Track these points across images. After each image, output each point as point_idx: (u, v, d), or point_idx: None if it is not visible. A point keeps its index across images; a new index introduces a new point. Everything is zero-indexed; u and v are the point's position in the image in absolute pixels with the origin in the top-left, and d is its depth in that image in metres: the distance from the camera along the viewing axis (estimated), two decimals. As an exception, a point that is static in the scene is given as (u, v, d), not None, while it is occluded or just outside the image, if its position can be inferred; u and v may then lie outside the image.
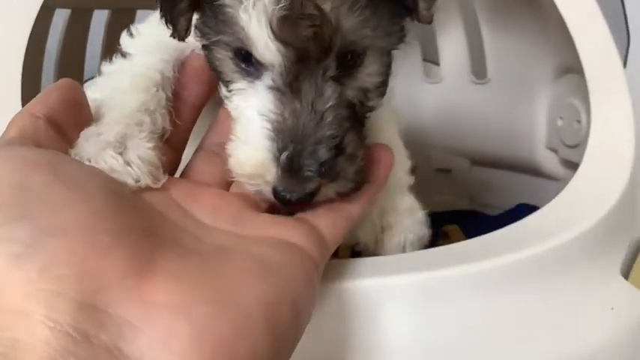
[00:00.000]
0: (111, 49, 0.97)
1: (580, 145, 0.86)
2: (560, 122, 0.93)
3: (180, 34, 0.49)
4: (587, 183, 0.59)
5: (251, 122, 0.46)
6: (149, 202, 0.42)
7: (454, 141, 1.17)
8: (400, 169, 0.63)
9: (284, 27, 0.42)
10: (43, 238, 0.32)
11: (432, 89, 1.18)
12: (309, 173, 0.44)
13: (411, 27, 1.19)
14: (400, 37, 0.49)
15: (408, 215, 0.62)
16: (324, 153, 0.44)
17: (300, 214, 0.47)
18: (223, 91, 0.50)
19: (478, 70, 1.11)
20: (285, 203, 0.45)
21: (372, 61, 0.48)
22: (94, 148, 0.43)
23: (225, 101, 0.50)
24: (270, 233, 0.43)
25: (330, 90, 0.45)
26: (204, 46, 0.50)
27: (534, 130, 1.01)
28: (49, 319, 0.30)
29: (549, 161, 0.99)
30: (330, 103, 0.45)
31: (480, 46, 1.09)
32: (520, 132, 1.04)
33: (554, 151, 0.97)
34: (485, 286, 0.48)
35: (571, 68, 0.87)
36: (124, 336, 0.31)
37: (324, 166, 0.44)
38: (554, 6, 0.75)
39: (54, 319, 0.30)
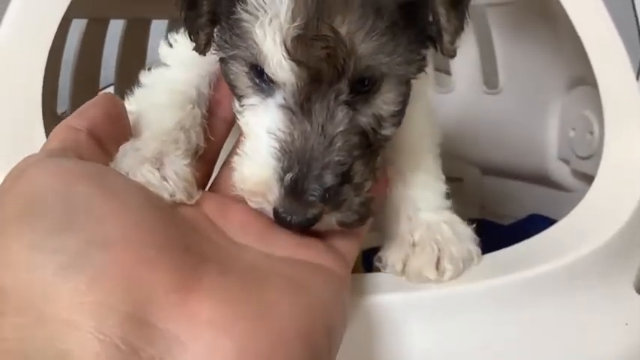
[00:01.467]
0: (126, 57, 0.99)
1: (592, 157, 0.87)
2: (572, 133, 0.93)
3: (200, 48, 0.50)
4: (600, 198, 0.59)
5: (259, 139, 0.45)
6: (185, 217, 0.43)
7: (465, 150, 1.17)
8: (434, 192, 0.60)
9: (298, 46, 0.42)
10: (90, 249, 0.33)
11: (444, 99, 1.19)
12: (312, 198, 0.43)
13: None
14: (420, 67, 0.48)
15: (446, 227, 0.56)
16: (330, 179, 0.43)
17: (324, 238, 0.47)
18: (236, 105, 0.50)
19: (490, 80, 1.12)
20: (285, 225, 0.44)
21: (388, 89, 0.47)
22: (132, 162, 0.44)
23: (237, 116, 0.50)
24: (298, 255, 0.44)
25: (341, 114, 0.44)
26: (221, 59, 0.49)
27: (546, 140, 1.01)
28: (98, 332, 0.31)
29: (561, 172, 0.99)
30: (341, 128, 0.44)
31: (491, 56, 1.09)
32: (532, 142, 1.04)
33: (566, 162, 0.97)
34: (502, 302, 0.49)
35: (584, 80, 0.88)
36: (170, 351, 0.32)
37: (329, 193, 0.43)
38: (567, 18, 0.75)
39: (103, 332, 0.31)
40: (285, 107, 0.44)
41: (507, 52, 1.06)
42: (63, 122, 0.44)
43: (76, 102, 0.93)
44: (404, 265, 0.53)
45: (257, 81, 0.47)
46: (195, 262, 0.37)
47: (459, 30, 0.47)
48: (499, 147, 1.11)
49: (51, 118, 0.65)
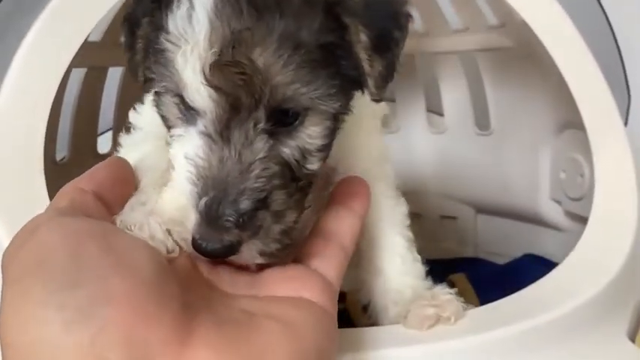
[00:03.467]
0: (125, 102, 1.00)
1: (584, 199, 0.88)
2: (563, 175, 0.95)
3: (141, 83, 0.51)
4: (591, 249, 0.60)
5: (180, 167, 0.45)
6: (181, 271, 0.44)
7: (458, 189, 1.19)
8: (414, 276, 0.63)
9: (214, 72, 0.43)
10: (94, 306, 0.34)
11: (436, 139, 1.21)
12: (227, 223, 0.42)
13: (416, 79, 1.21)
14: (345, 104, 0.49)
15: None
16: (245, 204, 0.43)
17: (305, 258, 0.48)
18: (168, 138, 0.50)
19: (481, 121, 1.14)
20: (204, 254, 0.44)
21: (313, 122, 0.47)
22: (140, 216, 0.46)
23: (168, 148, 0.49)
24: (286, 292, 0.45)
25: (260, 143, 0.45)
26: (154, 93, 0.50)
27: (538, 181, 1.02)
28: None
29: (553, 212, 1.01)
30: (260, 155, 0.44)
31: (482, 99, 1.11)
32: (523, 183, 1.05)
33: (558, 202, 0.99)
34: (498, 355, 0.49)
35: (572, 124, 0.89)
36: None
37: (243, 218, 0.43)
38: (554, 63, 0.77)
39: None
40: (205, 134, 0.45)
41: (498, 96, 1.09)
42: (72, 183, 0.46)
43: (75, 147, 0.94)
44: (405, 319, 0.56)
45: (184, 112, 0.47)
46: (190, 315, 0.38)
47: (385, 77, 0.48)
48: (492, 187, 1.13)
49: (50, 164, 0.65)
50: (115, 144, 0.98)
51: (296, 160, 0.47)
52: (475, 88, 1.13)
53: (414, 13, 1.08)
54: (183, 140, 0.47)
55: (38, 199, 0.62)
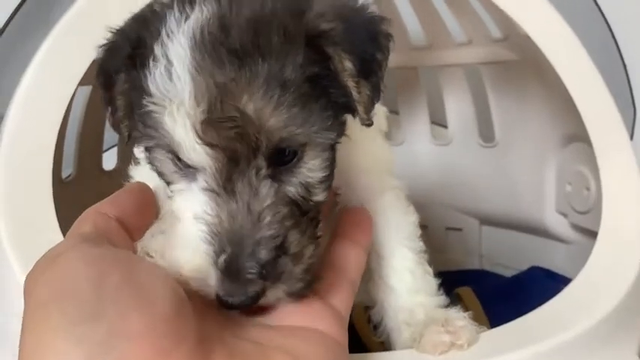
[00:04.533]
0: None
1: (590, 212, 0.88)
2: (569, 188, 0.95)
3: (124, 140, 0.51)
4: (600, 269, 0.59)
5: (188, 225, 0.45)
6: (196, 300, 0.44)
7: (462, 201, 1.19)
8: (426, 293, 0.62)
9: (207, 130, 0.42)
10: (114, 339, 0.34)
11: (440, 151, 1.21)
12: (249, 276, 0.42)
13: (419, 91, 1.21)
14: (340, 132, 0.49)
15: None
16: (264, 254, 0.43)
17: (316, 290, 0.48)
18: (167, 191, 0.49)
19: (486, 133, 1.14)
20: (229, 308, 0.43)
21: (312, 156, 0.47)
22: (161, 244, 0.46)
23: (170, 202, 0.49)
24: (299, 322, 0.45)
25: (265, 189, 0.44)
26: (146, 148, 0.49)
27: (543, 194, 1.02)
28: None
29: (559, 224, 1.01)
30: (267, 202, 0.44)
31: (487, 110, 1.11)
32: (529, 195, 1.05)
33: (564, 215, 0.99)
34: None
35: (578, 136, 0.90)
36: None
37: (266, 268, 0.42)
38: (558, 76, 0.77)
39: None
40: (208, 190, 0.44)
41: (502, 108, 1.09)
42: (95, 208, 0.46)
43: (81, 164, 0.94)
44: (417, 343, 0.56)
45: (180, 166, 0.47)
46: (206, 350, 0.38)
47: (372, 99, 0.48)
48: (497, 198, 1.13)
49: (56, 183, 0.66)
50: (120, 160, 1.00)
51: (302, 197, 0.47)
52: (479, 100, 1.13)
53: (417, 25, 1.09)
54: (184, 195, 0.47)
55: (46, 218, 0.62)
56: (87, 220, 0.44)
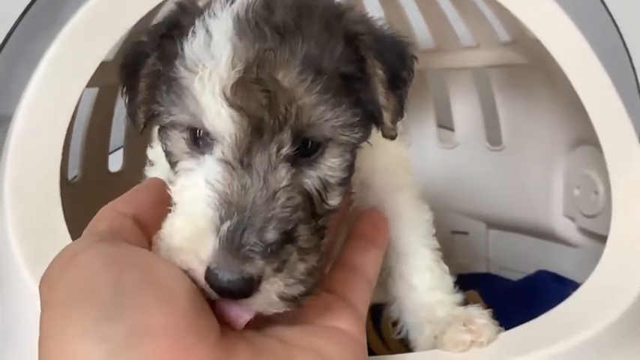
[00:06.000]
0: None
1: (598, 216, 0.87)
2: (577, 192, 0.94)
3: (139, 127, 0.51)
4: (610, 273, 0.59)
5: (193, 193, 0.42)
6: None
7: (469, 205, 1.18)
8: (444, 291, 0.63)
9: (237, 91, 0.41)
10: (136, 337, 0.34)
11: (447, 154, 1.20)
12: (251, 254, 0.39)
13: (427, 94, 1.21)
14: (364, 135, 0.48)
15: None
16: (272, 234, 0.39)
17: (335, 289, 0.48)
18: (170, 174, 0.48)
19: (493, 137, 1.13)
20: (217, 288, 0.39)
21: (333, 154, 0.46)
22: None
23: (169, 185, 0.47)
24: (321, 321, 0.45)
25: (284, 169, 0.42)
26: (160, 129, 0.49)
27: (550, 197, 1.02)
28: None
29: (566, 228, 1.00)
30: (285, 183, 0.42)
31: (494, 114, 1.11)
32: (536, 199, 1.05)
33: (572, 219, 0.98)
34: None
35: (586, 140, 0.89)
36: None
37: (270, 248, 0.39)
38: (567, 80, 0.77)
39: None
40: (224, 161, 0.42)
41: (509, 111, 1.08)
42: (111, 205, 0.45)
43: (87, 166, 0.94)
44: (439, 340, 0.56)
45: (194, 145, 0.46)
46: (228, 346, 0.38)
47: (398, 111, 0.48)
48: (504, 202, 1.12)
49: (63, 183, 0.66)
50: (126, 162, 1.00)
51: (318, 192, 0.45)
52: (486, 104, 1.13)
53: (425, 28, 1.09)
54: (192, 174, 0.45)
55: (53, 219, 0.62)
56: (103, 219, 0.44)
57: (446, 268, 0.64)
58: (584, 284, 0.60)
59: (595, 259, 0.67)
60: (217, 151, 0.43)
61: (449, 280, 0.64)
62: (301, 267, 0.41)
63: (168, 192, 0.47)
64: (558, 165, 0.99)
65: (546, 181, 1.02)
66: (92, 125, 0.94)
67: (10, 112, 0.67)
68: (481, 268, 1.20)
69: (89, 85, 0.68)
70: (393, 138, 0.49)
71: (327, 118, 0.44)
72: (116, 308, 0.35)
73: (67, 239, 0.60)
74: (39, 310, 0.37)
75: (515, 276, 1.11)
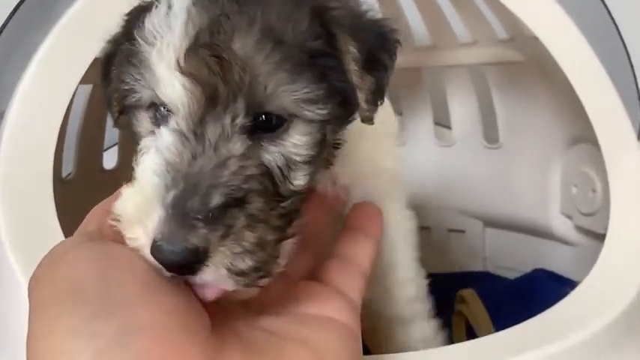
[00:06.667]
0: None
1: (596, 214, 0.87)
2: (574, 190, 0.94)
3: (115, 118, 0.50)
4: (610, 268, 0.59)
5: (145, 163, 0.41)
6: None
7: (466, 203, 1.18)
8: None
9: (189, 59, 0.40)
10: (125, 335, 0.34)
11: (444, 152, 1.20)
12: (194, 222, 0.37)
13: (423, 92, 1.21)
14: (330, 114, 0.45)
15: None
16: (216, 199, 0.38)
17: (325, 279, 0.48)
18: (137, 157, 0.45)
19: (490, 134, 1.13)
20: (164, 262, 0.38)
21: (299, 131, 0.44)
22: None
23: (135, 166, 0.44)
24: (313, 310, 0.44)
25: (239, 140, 0.41)
26: (127, 112, 0.48)
27: (548, 195, 1.01)
28: None
29: (564, 226, 1.00)
30: (237, 153, 0.41)
31: (491, 112, 1.10)
32: (533, 197, 1.04)
33: (569, 217, 0.98)
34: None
35: (584, 138, 0.89)
36: None
37: (212, 212, 0.38)
38: (565, 78, 0.77)
39: None
40: (177, 131, 0.41)
41: (507, 109, 1.08)
42: (101, 205, 0.45)
43: (81, 164, 0.93)
44: None
45: (155, 122, 0.45)
46: (218, 341, 0.38)
47: (375, 93, 0.46)
48: (501, 200, 1.12)
49: (57, 181, 0.65)
50: (121, 159, 0.99)
51: (279, 169, 0.43)
52: (484, 101, 1.13)
53: (421, 25, 1.09)
54: (151, 150, 0.43)
55: (46, 217, 0.61)
56: (92, 219, 0.44)
57: (424, 273, 0.66)
58: (581, 283, 0.60)
59: (592, 257, 0.67)
60: (172, 122, 0.42)
61: (425, 289, 0.66)
62: (249, 236, 0.39)
63: None
64: (556, 163, 0.99)
65: (543, 179, 1.02)
66: (86, 122, 0.93)
67: (3, 109, 0.66)
68: (478, 267, 1.20)
69: (83, 81, 0.67)
70: (369, 121, 0.47)
71: (286, 89, 0.42)
72: (105, 307, 0.35)
73: (60, 237, 0.59)
74: None
75: (512, 274, 1.10)
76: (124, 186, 0.43)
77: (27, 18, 0.69)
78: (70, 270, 0.37)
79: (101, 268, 0.37)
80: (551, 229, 1.02)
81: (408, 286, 0.63)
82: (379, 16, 0.50)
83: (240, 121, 0.42)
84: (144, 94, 0.44)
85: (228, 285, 0.39)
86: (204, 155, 0.40)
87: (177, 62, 0.40)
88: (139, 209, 0.39)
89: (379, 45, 0.47)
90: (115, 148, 1.01)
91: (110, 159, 1.00)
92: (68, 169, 0.92)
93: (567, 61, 0.75)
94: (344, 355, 0.42)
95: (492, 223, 1.17)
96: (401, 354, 0.51)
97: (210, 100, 0.41)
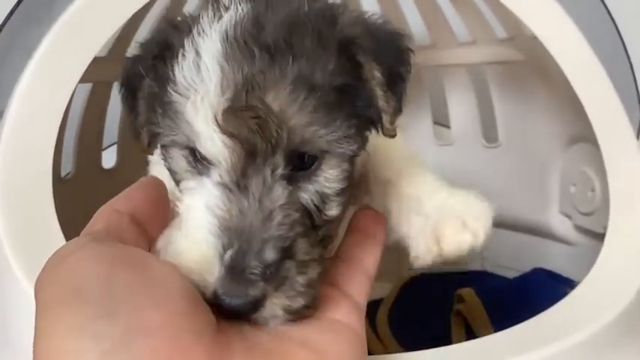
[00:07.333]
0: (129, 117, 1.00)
1: (594, 213, 0.87)
2: (573, 189, 0.94)
3: (144, 146, 0.51)
4: (609, 268, 0.59)
5: (197, 218, 0.44)
6: None
7: (465, 202, 1.18)
8: (427, 182, 0.58)
9: (228, 118, 0.42)
10: (131, 336, 0.34)
11: (443, 151, 1.20)
12: (252, 276, 0.40)
13: (422, 91, 1.21)
14: (361, 145, 0.48)
15: (452, 200, 0.55)
16: (270, 254, 0.41)
17: (331, 281, 0.48)
18: (176, 192, 0.49)
19: (489, 134, 1.13)
20: (225, 310, 0.41)
21: (330, 166, 0.46)
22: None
23: (177, 203, 0.48)
24: (319, 312, 0.44)
25: (280, 189, 0.43)
26: (161, 147, 0.50)
27: (547, 195, 1.01)
28: None
29: (563, 226, 1.00)
30: (280, 202, 0.43)
31: (490, 111, 1.10)
32: (532, 196, 1.04)
33: (568, 216, 0.98)
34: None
35: (583, 137, 0.89)
36: None
37: (269, 269, 0.41)
38: (565, 76, 0.77)
39: None
40: (221, 184, 0.43)
41: (506, 108, 1.08)
42: (109, 205, 0.45)
43: (80, 163, 0.93)
44: (438, 245, 0.52)
45: (194, 164, 0.47)
46: (224, 344, 0.38)
47: (397, 111, 0.48)
48: (499, 199, 1.10)
49: (56, 180, 0.65)
50: (120, 158, 0.99)
51: (315, 206, 0.46)
52: (483, 101, 1.13)
53: (421, 24, 1.09)
54: (194, 193, 0.46)
55: (46, 217, 0.61)
56: (100, 219, 0.44)
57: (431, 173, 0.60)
58: (581, 283, 0.60)
59: (591, 256, 0.67)
60: (214, 174, 0.44)
61: (431, 177, 0.59)
62: (300, 279, 0.42)
63: (165, 190, 0.48)
64: (555, 162, 0.99)
65: (543, 179, 1.02)
66: (85, 121, 0.93)
67: (2, 108, 0.66)
68: (476, 266, 1.20)
69: (82, 80, 0.67)
70: (392, 136, 0.49)
71: (321, 135, 0.44)
72: (110, 307, 0.35)
73: (59, 237, 0.59)
74: (32, 309, 0.37)
75: (511, 274, 1.11)
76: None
77: (26, 16, 0.68)
78: (74, 270, 0.38)
79: (104, 268, 0.37)
80: (551, 228, 1.02)
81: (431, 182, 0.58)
82: (387, 22, 0.51)
83: (279, 171, 0.44)
84: (178, 138, 0.46)
85: (281, 322, 0.42)
86: (250, 210, 0.42)
87: (216, 119, 0.42)
88: (199, 264, 0.42)
89: (398, 60, 0.48)
90: (114, 148, 1.01)
91: (109, 158, 1.00)
92: (67, 168, 0.92)
93: (567, 61, 0.75)
94: (348, 358, 0.43)
95: (492, 222, 1.16)
96: (401, 354, 0.51)
97: (250, 155, 0.43)
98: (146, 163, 0.60)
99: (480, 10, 0.97)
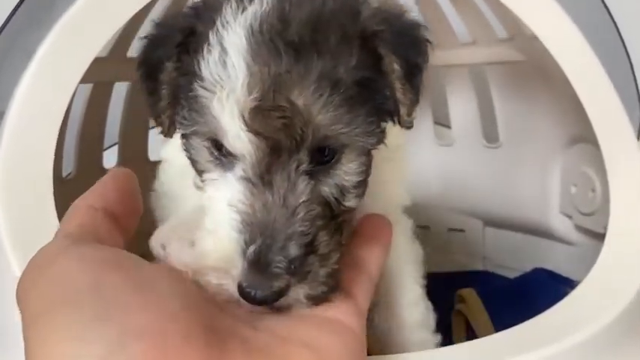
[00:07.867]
0: (130, 117, 1.00)
1: (595, 214, 0.87)
2: (573, 189, 0.94)
3: (164, 131, 0.51)
4: (610, 268, 0.59)
5: (220, 213, 0.44)
6: (205, 295, 0.43)
7: (466, 202, 1.18)
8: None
9: (255, 117, 0.42)
10: (124, 340, 0.34)
11: (444, 151, 1.20)
12: (277, 270, 0.42)
13: (422, 90, 1.21)
14: (379, 139, 0.48)
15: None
16: (294, 250, 0.42)
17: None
18: (197, 181, 0.50)
19: (489, 134, 1.13)
20: (250, 301, 0.42)
21: (349, 159, 0.47)
22: (192, 258, 0.45)
23: (199, 192, 0.49)
24: (318, 311, 0.45)
25: (303, 184, 0.44)
26: (182, 136, 0.50)
27: (547, 195, 1.01)
28: None
29: (563, 226, 1.00)
30: (303, 198, 0.44)
31: (491, 111, 1.10)
32: (533, 196, 1.05)
33: (569, 216, 0.98)
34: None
35: (583, 137, 0.89)
36: None
37: (294, 264, 0.42)
38: (565, 76, 0.77)
39: None
40: (245, 179, 0.44)
41: (506, 109, 1.08)
42: (80, 201, 0.46)
43: (81, 163, 0.93)
44: None
45: (217, 155, 0.47)
46: (219, 344, 0.37)
47: (414, 102, 0.48)
48: (500, 200, 1.12)
49: (57, 181, 0.65)
50: (121, 158, 0.99)
51: (335, 198, 0.47)
52: (483, 101, 1.13)
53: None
54: (217, 184, 0.47)
55: (47, 217, 0.61)
56: (73, 217, 0.44)
57: (430, 305, 0.66)
58: (582, 283, 0.60)
59: (592, 257, 0.67)
60: (238, 169, 0.45)
61: (432, 319, 0.65)
62: (323, 272, 0.44)
63: (135, 182, 0.49)
64: (555, 162, 0.99)
65: (543, 179, 1.02)
66: (86, 121, 0.93)
67: (3, 108, 0.66)
68: (477, 266, 1.20)
69: (83, 80, 0.67)
70: (409, 128, 0.50)
71: (344, 132, 0.45)
72: (102, 311, 0.35)
73: (60, 238, 0.59)
74: None
75: (511, 274, 1.11)
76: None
77: (27, 17, 0.69)
78: (61, 277, 0.37)
79: (91, 272, 0.37)
80: (551, 228, 1.03)
81: (415, 310, 0.64)
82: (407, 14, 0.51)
83: (303, 167, 0.44)
84: (202, 129, 0.46)
85: (305, 306, 0.44)
86: (274, 205, 0.43)
87: (243, 117, 0.43)
88: (223, 261, 0.43)
89: (416, 51, 0.49)
90: (115, 148, 1.01)
91: (110, 158, 1.00)
92: (68, 168, 0.92)
93: (567, 61, 0.75)
94: (348, 359, 0.42)
95: (492, 222, 1.17)
96: (401, 354, 0.51)
97: (275, 151, 0.44)
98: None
99: (480, 10, 0.97)
